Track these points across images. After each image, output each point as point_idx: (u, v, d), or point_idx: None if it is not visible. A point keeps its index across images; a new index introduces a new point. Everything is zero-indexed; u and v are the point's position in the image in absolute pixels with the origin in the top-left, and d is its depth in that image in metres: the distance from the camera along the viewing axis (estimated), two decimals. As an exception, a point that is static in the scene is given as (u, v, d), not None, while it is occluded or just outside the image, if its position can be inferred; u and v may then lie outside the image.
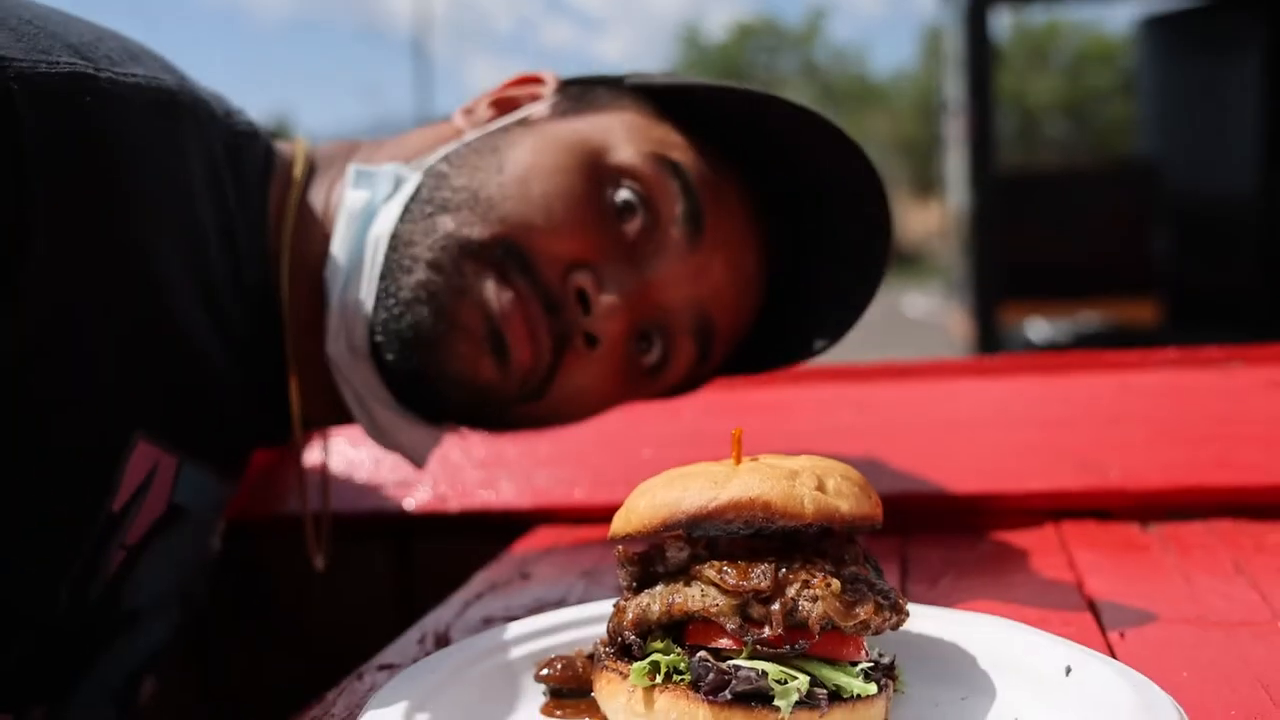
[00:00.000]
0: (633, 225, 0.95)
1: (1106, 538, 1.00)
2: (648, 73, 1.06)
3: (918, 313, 18.79)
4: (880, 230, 0.96)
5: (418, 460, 1.06)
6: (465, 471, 1.23)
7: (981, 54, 8.58)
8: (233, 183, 0.92)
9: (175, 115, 0.84)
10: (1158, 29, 10.24)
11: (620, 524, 0.68)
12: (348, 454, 1.28)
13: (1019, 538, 1.03)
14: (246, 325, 0.94)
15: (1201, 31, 9.82)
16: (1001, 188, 8.56)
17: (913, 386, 1.24)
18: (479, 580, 0.98)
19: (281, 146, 1.02)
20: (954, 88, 9.73)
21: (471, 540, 1.18)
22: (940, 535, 1.06)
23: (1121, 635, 0.76)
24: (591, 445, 1.23)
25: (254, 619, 1.25)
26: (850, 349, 1.20)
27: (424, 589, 1.18)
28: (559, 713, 0.69)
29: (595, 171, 0.95)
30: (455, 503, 1.19)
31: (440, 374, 0.94)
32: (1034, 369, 1.23)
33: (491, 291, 0.92)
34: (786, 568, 0.64)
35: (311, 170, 1.01)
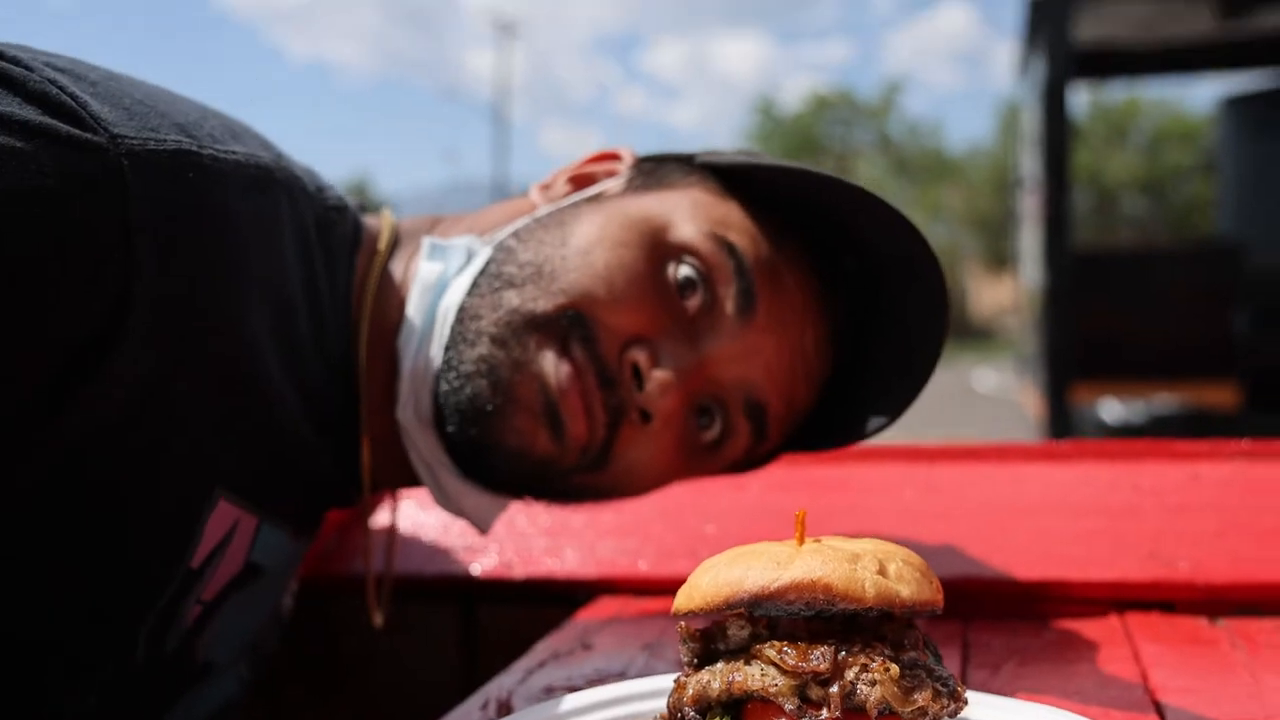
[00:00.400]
0: (693, 301, 0.98)
1: (1172, 631, 0.99)
2: (720, 150, 1.08)
3: (988, 388, 18.57)
4: (937, 308, 0.97)
5: (482, 527, 1.08)
6: (531, 539, 1.25)
7: (1058, 129, 8.55)
8: (321, 256, 0.96)
9: (271, 191, 0.89)
10: (1240, 108, 10.14)
11: (683, 600, 0.70)
12: (416, 517, 1.31)
13: (1083, 627, 1.02)
14: (327, 392, 0.97)
15: (1284, 111, 9.70)
16: (1076, 265, 8.47)
17: (980, 469, 1.24)
18: (541, 648, 1.00)
19: (368, 220, 1.07)
20: (1030, 163, 9.69)
21: (535, 607, 1.20)
22: (1003, 622, 1.05)
23: (1186, 734, 0.76)
24: (655, 517, 1.25)
25: (319, 678, 1.27)
26: (922, 424, 1.20)
27: (487, 653, 1.20)
28: (617, 786, 0.70)
29: (657, 248, 0.98)
30: (520, 569, 1.21)
31: (497, 446, 0.96)
32: (1103, 455, 1.22)
33: (550, 364, 0.94)
34: (846, 650, 0.64)
35: (395, 243, 1.05)
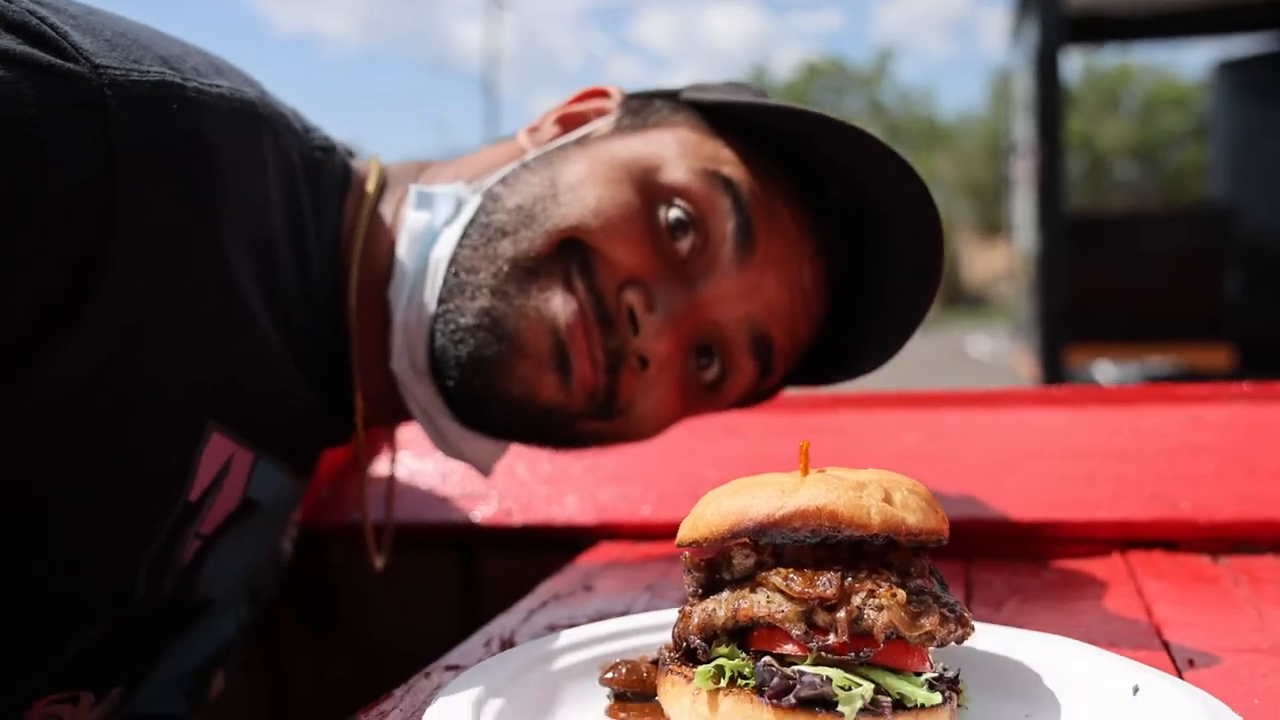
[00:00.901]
0: (684, 243, 0.97)
1: (1175, 569, 0.99)
2: (706, 84, 1.07)
3: (983, 354, 18.59)
4: (933, 241, 0.96)
5: (484, 469, 1.08)
6: (531, 487, 1.24)
7: (1051, 95, 8.52)
8: (308, 195, 0.95)
9: (255, 125, 0.88)
10: (1233, 73, 10.11)
11: (688, 530, 0.69)
12: (415, 465, 1.31)
13: (1086, 566, 1.02)
14: (315, 333, 0.97)
15: (1277, 75, 9.68)
16: (1069, 229, 8.47)
17: (981, 415, 1.24)
18: (543, 590, 0.99)
19: (356, 164, 1.05)
20: (1023, 129, 9.67)
21: (535, 554, 1.20)
22: (1005, 561, 1.05)
23: (1191, 663, 0.76)
24: (656, 464, 1.24)
25: (321, 624, 1.27)
26: (916, 387, 1.20)
27: (487, 599, 1.20)
28: (623, 715, 0.70)
29: (648, 190, 0.97)
30: (520, 516, 1.21)
31: (501, 396, 0.95)
32: (1104, 400, 1.22)
33: (557, 304, 0.93)
34: (853, 577, 0.64)
35: (383, 187, 1.04)
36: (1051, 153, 8.30)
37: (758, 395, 1.07)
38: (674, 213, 0.97)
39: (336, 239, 0.99)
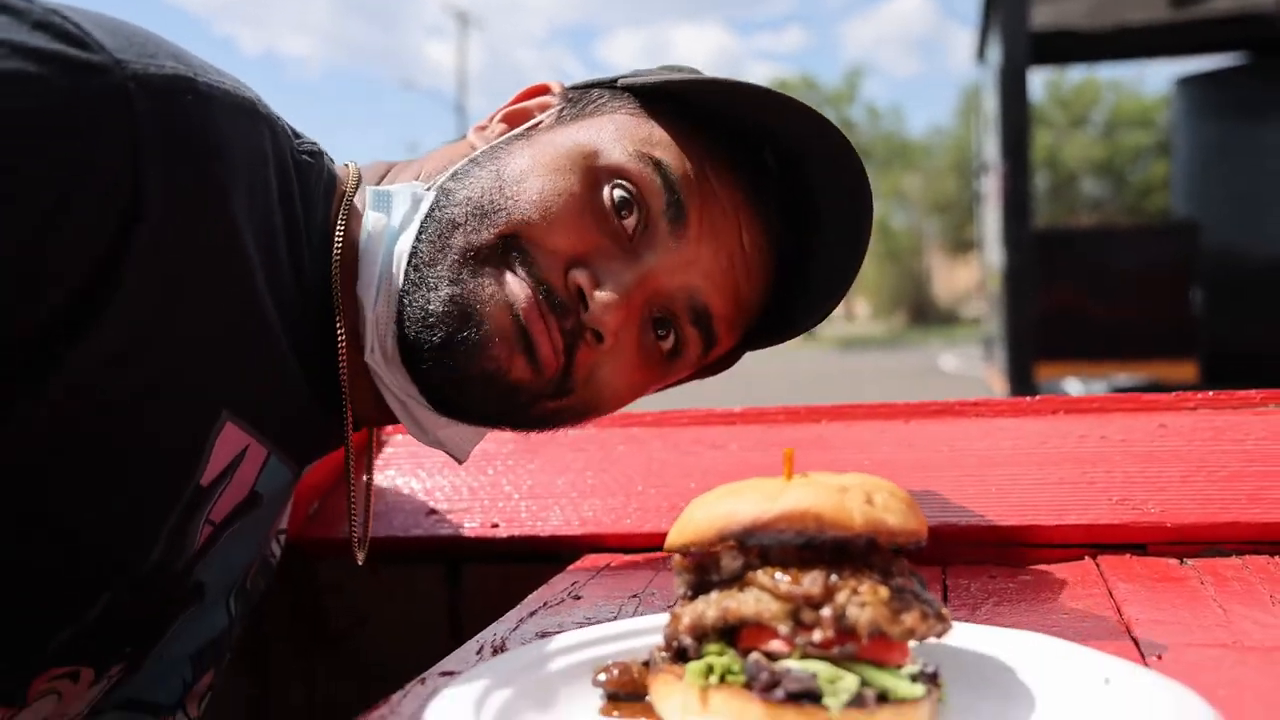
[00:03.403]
0: (630, 221, 1.01)
1: (1144, 570, 1.03)
2: (643, 70, 1.12)
3: (954, 370, 18.72)
4: (861, 190, 1.02)
5: (460, 456, 1.11)
6: (516, 501, 1.27)
7: (1017, 113, 8.65)
8: (300, 194, 0.98)
9: (257, 122, 0.92)
10: (1193, 89, 10.29)
11: (676, 535, 0.72)
12: (399, 480, 1.33)
13: (1057, 570, 1.05)
14: (308, 329, 1.00)
15: (1236, 91, 9.85)
16: (1036, 245, 8.58)
17: (954, 424, 1.27)
18: (532, 599, 1.02)
19: (338, 169, 1.09)
20: (990, 147, 9.79)
21: (521, 566, 1.22)
22: (980, 566, 1.08)
23: (1159, 657, 0.79)
24: (639, 477, 1.27)
25: (307, 638, 1.28)
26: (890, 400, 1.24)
27: (474, 612, 1.22)
28: (615, 713, 0.72)
29: (589, 173, 1.01)
30: (506, 530, 1.23)
31: (477, 378, 0.98)
32: (1073, 409, 1.26)
33: (514, 289, 0.97)
34: (837, 576, 0.67)
35: (359, 189, 1.08)
36: (1018, 169, 8.42)
37: (718, 364, 1.12)
38: (617, 192, 1.01)
39: (325, 240, 1.02)
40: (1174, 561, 1.05)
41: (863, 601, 0.66)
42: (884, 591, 0.66)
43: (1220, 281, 9.01)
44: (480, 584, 1.23)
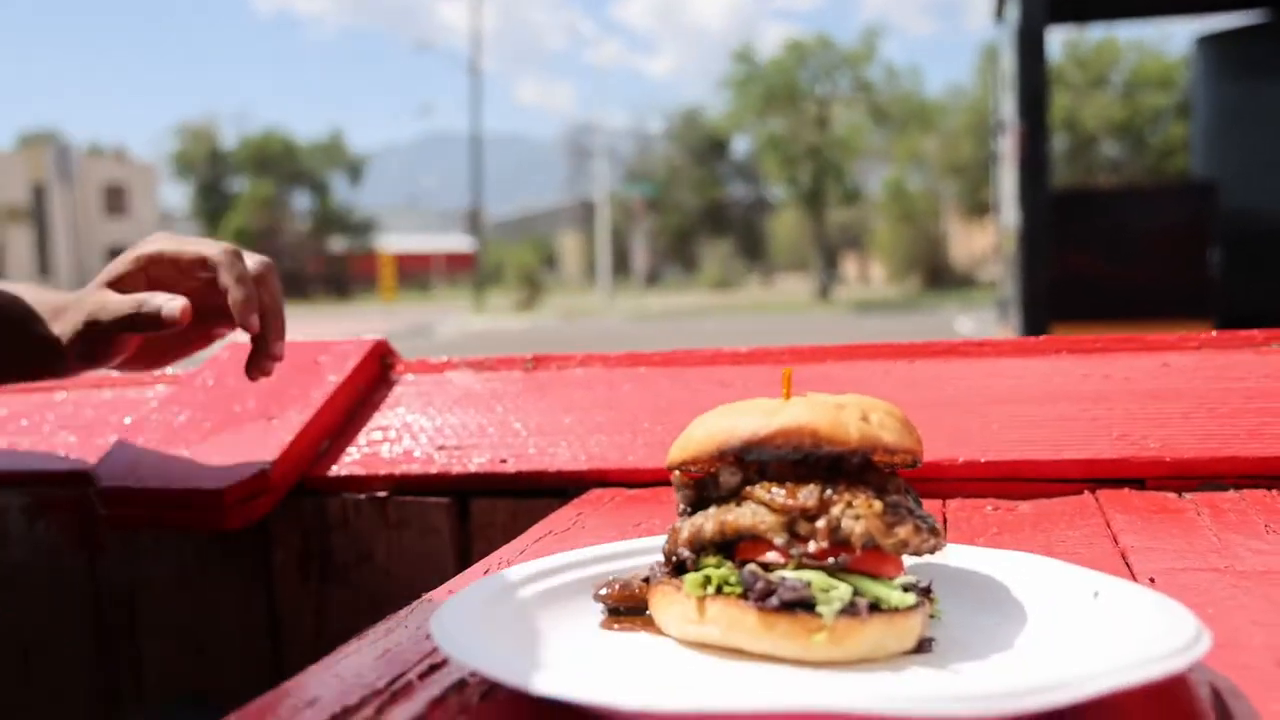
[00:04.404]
0: None
1: (1143, 503, 1.04)
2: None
3: (969, 332, 18.67)
4: None
5: None
6: (524, 438, 1.28)
7: (1034, 72, 8.56)
8: None
9: None
10: (1212, 47, 10.16)
11: (677, 451, 0.74)
12: (410, 419, 1.34)
13: (1057, 503, 1.07)
14: None
15: (1257, 50, 9.73)
16: (1052, 205, 8.52)
17: (957, 364, 1.28)
18: (538, 528, 1.04)
19: None
20: (1007, 106, 9.70)
21: (528, 501, 1.24)
22: (980, 499, 1.10)
23: (1152, 580, 0.80)
24: (646, 415, 1.28)
25: (317, 574, 1.31)
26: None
27: (482, 546, 1.24)
28: (616, 626, 0.74)
29: None
30: (513, 465, 1.25)
31: None
32: (1076, 349, 1.26)
33: None
34: (832, 489, 0.69)
35: None
36: (1035, 129, 8.34)
37: None
38: None
39: None
40: (1172, 495, 1.06)
41: (857, 514, 0.67)
42: (878, 505, 0.68)
43: (1238, 242, 8.94)
44: (488, 518, 1.25)
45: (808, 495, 0.68)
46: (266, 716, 0.60)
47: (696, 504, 0.74)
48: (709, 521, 0.71)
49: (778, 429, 0.69)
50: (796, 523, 0.68)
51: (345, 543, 1.29)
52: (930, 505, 1.07)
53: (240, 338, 1.18)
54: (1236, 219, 9.05)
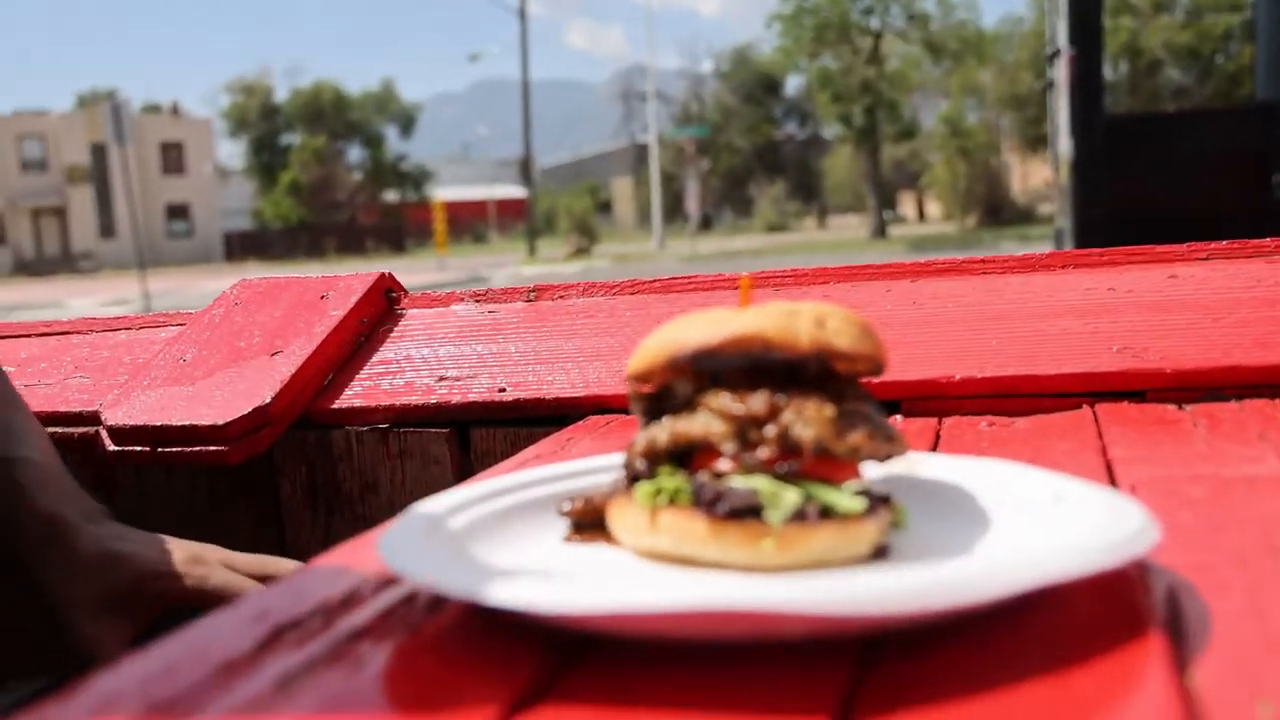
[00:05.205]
0: None
1: (1140, 416, 1.01)
2: None
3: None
4: None
5: None
6: (523, 366, 1.29)
7: (1088, -6, 8.32)
8: None
9: None
10: (1278, -36, 9.79)
11: (633, 363, 0.73)
12: (413, 352, 1.35)
13: (1053, 418, 1.05)
14: None
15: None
16: (1106, 132, 8.31)
17: (961, 281, 1.26)
18: (528, 452, 1.04)
19: None
20: (1061, 31, 9.46)
21: (527, 429, 1.24)
22: (976, 416, 1.08)
23: (1133, 488, 0.78)
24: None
25: (322, 504, 1.33)
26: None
27: (481, 471, 1.25)
28: (578, 538, 0.74)
29: None
30: (512, 394, 1.25)
31: None
32: (1083, 263, 1.24)
33: None
34: (785, 396, 0.68)
35: None
36: (1086, 52, 8.13)
37: None
38: None
39: None
40: (1172, 407, 1.04)
41: (807, 420, 0.66)
42: (829, 410, 0.67)
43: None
44: (488, 446, 1.26)
45: (757, 402, 0.67)
46: (218, 625, 0.61)
47: (654, 416, 0.73)
48: (663, 432, 0.70)
49: (727, 337, 0.68)
50: (747, 430, 0.67)
51: (350, 475, 1.31)
52: (926, 424, 1.07)
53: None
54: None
